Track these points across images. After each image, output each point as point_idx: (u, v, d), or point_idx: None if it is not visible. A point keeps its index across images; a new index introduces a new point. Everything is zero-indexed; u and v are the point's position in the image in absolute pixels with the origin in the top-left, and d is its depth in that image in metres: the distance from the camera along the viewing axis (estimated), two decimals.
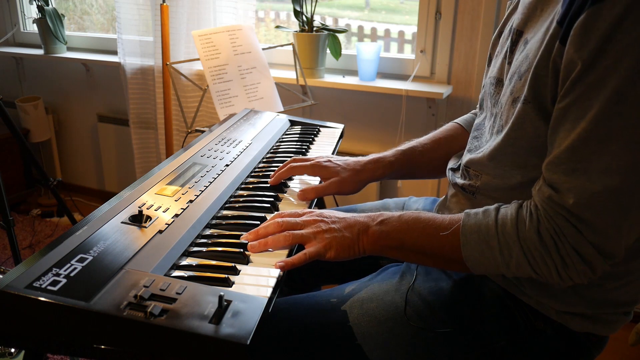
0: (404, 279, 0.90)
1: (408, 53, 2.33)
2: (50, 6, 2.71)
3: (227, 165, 1.07)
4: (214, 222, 0.89)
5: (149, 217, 0.81)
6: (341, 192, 1.03)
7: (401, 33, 2.40)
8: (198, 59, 1.81)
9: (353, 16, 2.58)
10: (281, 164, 1.11)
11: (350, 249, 0.82)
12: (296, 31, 2.15)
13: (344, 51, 2.21)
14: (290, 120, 1.47)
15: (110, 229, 0.77)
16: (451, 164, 1.02)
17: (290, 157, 1.19)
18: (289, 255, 0.80)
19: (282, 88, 1.94)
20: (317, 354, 0.85)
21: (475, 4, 1.96)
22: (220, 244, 0.82)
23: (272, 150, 1.26)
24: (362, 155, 2.34)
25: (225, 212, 0.93)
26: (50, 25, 2.67)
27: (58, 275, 0.64)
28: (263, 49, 1.89)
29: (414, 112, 2.15)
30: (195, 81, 2.07)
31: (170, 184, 0.95)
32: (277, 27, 2.40)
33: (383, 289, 0.89)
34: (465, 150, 0.94)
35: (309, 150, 1.29)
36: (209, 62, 1.76)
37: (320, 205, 1.52)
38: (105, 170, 2.96)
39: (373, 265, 1.07)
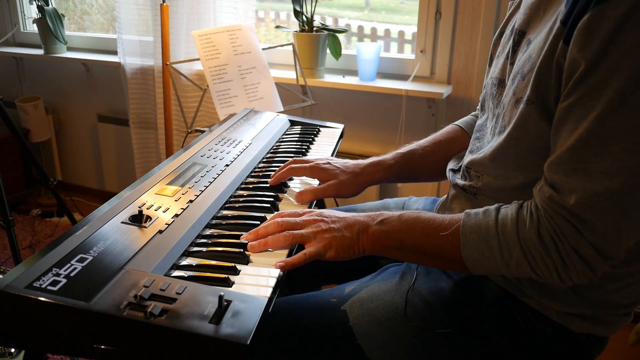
0: (404, 279, 0.90)
1: (408, 53, 2.33)
2: (50, 6, 2.71)
3: (227, 165, 1.07)
4: (214, 222, 0.89)
5: (149, 217, 0.81)
6: (340, 195, 1.03)
7: (401, 33, 2.40)
8: (198, 59, 1.81)
9: (353, 16, 2.58)
10: (281, 164, 1.11)
11: (350, 248, 0.82)
12: (296, 31, 2.15)
13: (344, 51, 2.21)
14: (290, 120, 1.47)
15: (110, 229, 0.77)
16: (452, 164, 1.01)
17: (290, 157, 1.19)
18: (289, 255, 0.80)
19: (282, 88, 1.94)
20: (317, 354, 0.85)
21: (475, 4, 1.96)
22: (220, 244, 0.82)
23: (272, 150, 1.26)
24: (362, 155, 2.35)
25: (225, 212, 0.93)
26: (50, 25, 2.67)
27: (58, 275, 0.64)
28: (263, 49, 1.89)
29: (414, 112, 2.15)
30: (195, 81, 2.07)
31: (170, 184, 0.95)
32: (277, 27, 2.40)
33: (383, 289, 0.89)
34: (467, 151, 0.94)
35: (309, 150, 1.29)
36: (209, 62, 1.76)
37: (320, 205, 1.52)
38: (105, 170, 2.96)
39: (373, 265, 1.07)
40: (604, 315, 0.81)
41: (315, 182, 1.09)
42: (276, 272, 0.75)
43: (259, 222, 0.88)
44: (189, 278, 0.70)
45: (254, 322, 0.61)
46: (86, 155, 3.05)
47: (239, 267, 0.75)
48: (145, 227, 0.79)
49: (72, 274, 0.65)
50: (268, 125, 1.37)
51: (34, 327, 0.61)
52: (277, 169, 1.10)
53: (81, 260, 0.68)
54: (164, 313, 0.60)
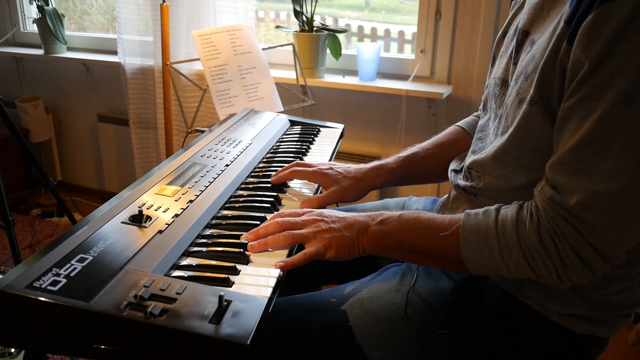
0: (404, 280, 0.90)
1: (408, 53, 2.33)
2: (50, 6, 2.71)
3: (227, 165, 1.07)
4: (214, 222, 0.89)
5: (149, 217, 0.81)
6: (342, 200, 1.03)
7: (401, 33, 2.40)
8: (198, 59, 1.81)
9: (353, 16, 2.58)
10: (281, 164, 1.11)
11: (350, 248, 0.82)
12: (296, 31, 2.15)
13: (344, 51, 2.21)
14: (290, 120, 1.47)
15: (110, 229, 0.77)
16: (453, 165, 1.01)
17: (290, 157, 1.20)
18: (289, 255, 0.80)
19: (282, 88, 1.94)
20: (317, 354, 0.85)
21: (475, 4, 1.96)
22: (220, 244, 0.82)
23: (272, 150, 1.26)
24: (362, 155, 2.34)
25: (225, 212, 0.93)
26: (50, 25, 2.67)
27: (58, 275, 0.64)
28: (263, 49, 1.89)
29: (414, 112, 2.15)
30: (195, 81, 2.07)
31: (170, 184, 0.95)
32: (277, 27, 2.40)
33: (384, 289, 0.89)
34: (469, 152, 0.94)
35: (309, 150, 1.29)
36: (209, 62, 1.76)
37: None
38: (105, 170, 2.96)
39: (373, 265, 1.07)
40: (605, 317, 0.81)
41: (315, 185, 1.09)
42: (276, 272, 0.75)
43: (259, 222, 0.88)
44: (189, 278, 0.70)
45: (254, 322, 0.61)
46: (86, 155, 3.05)
47: (239, 267, 0.75)
48: (145, 227, 0.79)
49: (72, 274, 0.65)
50: (268, 125, 1.37)
51: (34, 327, 0.61)
52: (277, 169, 1.10)
53: (81, 260, 0.68)
54: (164, 313, 0.60)
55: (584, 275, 0.70)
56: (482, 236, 0.75)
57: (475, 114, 1.14)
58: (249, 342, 0.58)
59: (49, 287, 0.62)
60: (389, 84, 2.08)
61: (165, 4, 2.04)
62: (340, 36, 2.19)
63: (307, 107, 2.28)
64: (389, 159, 1.08)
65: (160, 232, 0.78)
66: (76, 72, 2.88)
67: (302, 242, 0.82)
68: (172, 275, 0.72)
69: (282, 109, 1.85)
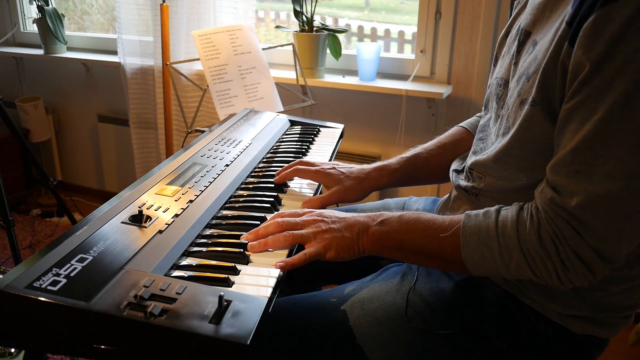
0: (405, 280, 0.90)
1: (408, 53, 2.33)
2: (50, 6, 2.71)
3: (227, 165, 1.07)
4: (214, 222, 0.89)
5: (149, 217, 0.81)
6: (344, 200, 1.03)
7: (401, 33, 2.40)
8: (198, 59, 1.81)
9: (353, 16, 2.58)
10: (281, 164, 1.11)
11: (350, 249, 0.82)
12: (296, 31, 2.15)
13: (344, 51, 2.21)
14: (290, 120, 1.47)
15: (110, 229, 0.77)
16: (455, 165, 1.01)
17: (290, 157, 1.20)
18: (289, 255, 0.80)
19: (282, 88, 1.94)
20: (318, 354, 0.85)
21: (475, 4, 1.96)
22: (220, 244, 0.82)
23: (272, 150, 1.26)
24: (362, 155, 2.34)
25: (225, 212, 0.93)
26: (50, 25, 2.67)
27: (58, 275, 0.64)
28: (263, 49, 1.89)
29: (414, 112, 2.15)
30: (195, 81, 2.07)
31: (170, 184, 0.95)
32: (277, 27, 2.40)
33: (384, 290, 0.89)
34: (471, 152, 0.94)
35: (309, 150, 1.29)
36: (209, 62, 1.76)
37: None
38: (105, 170, 2.96)
39: (373, 265, 1.07)
40: (605, 318, 0.81)
41: (315, 185, 1.09)
42: (276, 272, 0.75)
43: (259, 222, 0.88)
44: (189, 278, 0.70)
45: (254, 322, 0.61)
46: (86, 155, 3.05)
47: (239, 267, 0.75)
48: (145, 227, 0.79)
49: (72, 274, 0.65)
50: (268, 125, 1.37)
51: (34, 327, 0.61)
52: (277, 169, 1.10)
53: (81, 260, 0.68)
54: (164, 313, 0.60)
55: (584, 276, 0.70)
56: (482, 237, 0.75)
57: (478, 114, 1.14)
58: (249, 342, 0.58)
59: (49, 287, 0.62)
60: (389, 84, 2.08)
61: (165, 4, 2.04)
62: (340, 36, 2.19)
63: (307, 107, 2.28)
64: (392, 160, 1.08)
65: (160, 232, 0.78)
66: (76, 72, 2.88)
67: (302, 242, 0.82)
68: (172, 275, 0.72)
69: (282, 109, 1.85)
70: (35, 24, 2.76)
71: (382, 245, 0.82)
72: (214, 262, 0.76)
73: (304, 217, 0.85)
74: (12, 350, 1.72)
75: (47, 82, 3.02)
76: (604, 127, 0.64)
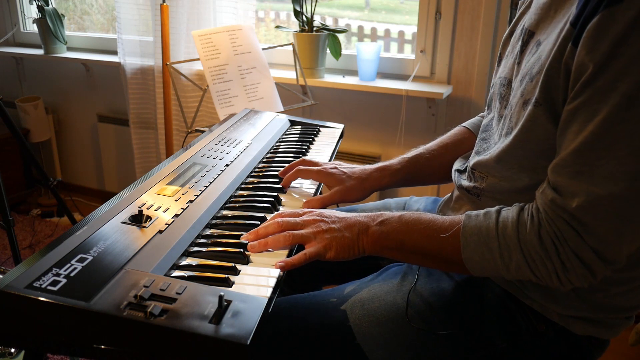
0: (405, 280, 0.90)
1: (408, 53, 2.33)
2: (50, 6, 2.71)
3: (227, 165, 1.07)
4: (214, 222, 0.89)
5: (149, 217, 0.81)
6: (345, 200, 1.03)
7: (401, 33, 2.40)
8: (198, 59, 1.80)
9: (353, 16, 2.58)
10: (281, 164, 1.11)
11: (350, 249, 0.82)
12: (296, 31, 2.15)
13: (344, 51, 2.21)
14: (290, 120, 1.47)
15: (110, 229, 0.77)
16: (457, 165, 1.01)
17: (290, 157, 1.20)
18: (289, 255, 0.80)
19: (282, 88, 1.94)
20: (318, 354, 0.85)
21: (475, 4, 1.96)
22: (220, 244, 0.82)
23: (272, 150, 1.26)
24: (362, 155, 2.34)
25: (225, 212, 0.93)
26: (50, 25, 2.67)
27: (58, 275, 0.64)
28: (263, 49, 1.89)
29: (414, 112, 2.15)
30: (195, 81, 2.07)
31: (170, 184, 0.95)
32: (277, 27, 2.40)
33: (384, 290, 0.89)
34: (473, 152, 0.94)
35: (309, 150, 1.29)
36: (209, 62, 1.76)
37: None
38: (105, 170, 2.96)
39: (373, 265, 1.07)
40: (606, 319, 0.81)
41: (315, 184, 1.09)
42: (276, 272, 0.75)
43: (259, 222, 0.87)
44: (189, 278, 0.70)
45: (254, 322, 0.61)
46: (86, 155, 3.05)
47: (239, 267, 0.75)
48: (145, 227, 0.79)
49: (72, 274, 0.65)
50: (268, 125, 1.37)
51: (34, 327, 0.61)
52: (277, 169, 1.10)
53: (81, 260, 0.68)
54: (164, 313, 0.60)
55: (584, 277, 0.70)
56: (482, 238, 0.75)
57: (481, 114, 1.14)
58: (249, 342, 0.58)
59: (49, 287, 0.62)
60: (389, 84, 2.08)
61: (165, 4, 2.04)
62: (340, 36, 2.19)
63: (307, 107, 2.28)
64: (394, 160, 1.08)
65: (160, 232, 0.78)
66: (76, 72, 2.88)
67: (302, 242, 0.82)
68: (172, 275, 0.72)
69: (282, 109, 1.85)
70: (35, 24, 2.76)
71: (382, 245, 0.82)
72: (214, 262, 0.76)
73: (304, 217, 0.85)
74: (12, 350, 1.72)
75: (47, 82, 3.02)
76: (606, 128, 0.64)
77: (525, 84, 0.76)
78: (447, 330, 0.83)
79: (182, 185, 0.95)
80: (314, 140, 1.36)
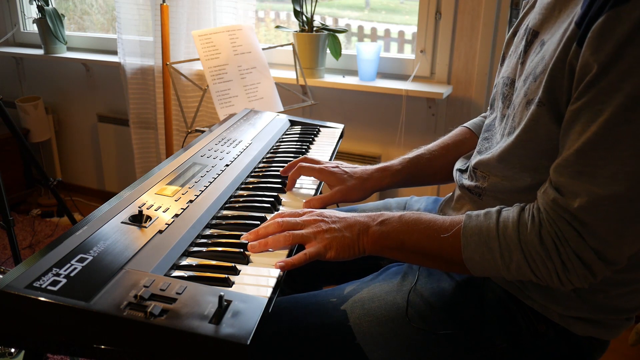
0: (405, 280, 0.90)
1: (408, 53, 2.33)
2: (50, 6, 2.71)
3: (227, 165, 1.07)
4: (214, 222, 0.89)
5: (149, 217, 0.81)
6: (346, 199, 1.03)
7: (401, 33, 2.40)
8: (198, 59, 1.80)
9: (353, 16, 2.58)
10: (281, 164, 1.11)
11: (351, 249, 0.82)
12: (296, 31, 2.15)
13: (344, 51, 2.21)
14: (290, 120, 1.47)
15: (110, 229, 0.77)
16: (459, 164, 1.01)
17: (290, 157, 1.20)
18: (289, 255, 0.80)
19: (282, 88, 1.94)
20: (318, 354, 0.85)
21: (475, 4, 1.95)
22: (220, 244, 0.82)
23: (272, 150, 1.26)
24: (362, 155, 2.34)
25: (225, 212, 0.93)
26: (50, 25, 2.67)
27: (58, 275, 0.64)
28: (263, 49, 1.89)
29: (414, 112, 2.15)
30: (195, 81, 2.07)
31: (170, 184, 0.95)
32: (277, 27, 2.40)
33: (385, 289, 0.89)
34: (475, 152, 0.94)
35: (309, 150, 1.29)
36: (209, 62, 1.76)
37: None
38: (105, 170, 2.96)
39: (373, 265, 1.07)
40: (606, 319, 0.81)
41: (315, 184, 1.09)
42: (276, 272, 0.75)
43: (259, 222, 0.87)
44: (189, 278, 0.70)
45: (254, 322, 0.61)
46: (86, 155, 3.05)
47: (239, 267, 0.75)
48: (145, 227, 0.79)
49: (72, 274, 0.65)
50: (268, 125, 1.37)
51: (34, 327, 0.61)
52: (277, 169, 1.10)
53: (81, 260, 0.68)
54: (164, 313, 0.60)
55: (584, 277, 0.70)
56: (483, 238, 0.74)
57: (483, 114, 1.14)
58: (249, 342, 0.58)
59: (49, 287, 0.62)
60: (389, 84, 2.08)
61: (165, 4, 2.04)
62: (340, 36, 2.19)
63: (307, 107, 2.28)
64: (394, 161, 1.08)
65: (160, 232, 0.78)
66: (76, 72, 2.88)
67: (302, 242, 0.82)
68: (172, 275, 0.72)
69: (282, 109, 1.85)
70: (35, 24, 2.76)
71: (383, 245, 0.82)
72: (214, 262, 0.76)
73: (304, 217, 0.85)
74: (12, 350, 1.72)
75: (47, 82, 3.02)
76: (609, 129, 0.64)
77: (529, 84, 0.76)
78: (447, 330, 0.83)
79: (182, 185, 0.95)
80: (314, 140, 1.36)
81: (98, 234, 0.75)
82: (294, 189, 1.05)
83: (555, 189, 0.70)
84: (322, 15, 2.49)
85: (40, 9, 2.69)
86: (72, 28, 3.04)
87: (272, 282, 0.72)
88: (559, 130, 0.71)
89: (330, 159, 1.24)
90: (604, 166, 0.65)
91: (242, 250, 0.79)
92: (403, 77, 2.17)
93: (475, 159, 0.90)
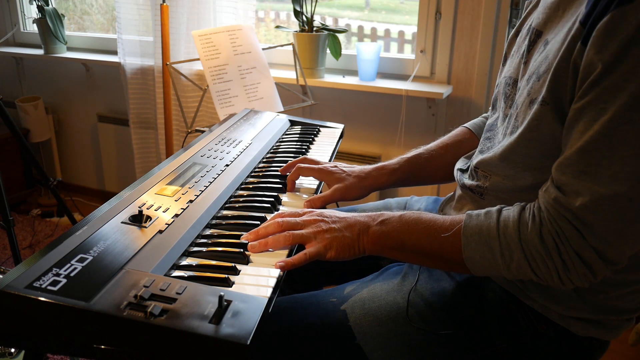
0: (406, 280, 0.90)
1: (408, 53, 2.33)
2: (50, 6, 2.71)
3: (227, 165, 1.07)
4: (214, 222, 0.89)
5: (149, 217, 0.81)
6: (345, 198, 1.04)
7: (401, 33, 2.40)
8: (198, 59, 1.80)
9: (353, 16, 2.58)
10: (281, 164, 1.11)
11: (351, 248, 0.82)
12: (296, 31, 2.15)
13: (344, 51, 2.21)
14: (290, 120, 1.47)
15: (110, 229, 0.77)
16: (460, 164, 1.01)
17: (290, 157, 1.20)
18: (289, 255, 0.80)
19: (282, 88, 1.94)
20: (318, 354, 0.85)
21: (475, 4, 1.95)
22: (220, 244, 0.81)
23: (272, 150, 1.26)
24: (362, 155, 2.34)
25: (225, 212, 0.93)
26: (50, 25, 2.67)
27: (58, 275, 0.64)
28: (263, 49, 1.89)
29: (414, 112, 2.15)
30: (195, 81, 2.07)
31: (170, 184, 0.95)
32: (277, 27, 2.40)
33: (385, 289, 0.89)
34: (477, 151, 0.94)
35: (309, 150, 1.29)
36: (209, 62, 1.76)
37: None
38: (105, 170, 2.96)
39: (373, 265, 1.07)
40: (607, 320, 0.81)
41: (315, 183, 1.09)
42: (276, 272, 0.75)
43: (259, 222, 0.87)
44: (189, 278, 0.70)
45: (254, 322, 0.61)
46: (86, 155, 3.05)
47: (239, 267, 0.75)
48: (145, 227, 0.79)
49: (72, 274, 0.65)
50: (268, 125, 1.37)
51: (34, 327, 0.61)
52: (277, 169, 1.10)
53: (81, 260, 0.68)
54: (164, 313, 0.60)
55: (584, 277, 0.70)
56: (483, 237, 0.74)
57: (483, 115, 1.14)
58: (249, 342, 0.58)
59: (49, 287, 0.61)
60: (389, 84, 2.08)
61: (165, 4, 2.04)
62: (340, 36, 2.19)
63: (307, 107, 2.28)
64: (392, 160, 1.09)
65: (160, 232, 0.78)
66: (76, 72, 2.88)
67: (302, 242, 0.82)
68: (172, 275, 0.72)
69: (282, 109, 1.85)
70: (35, 24, 2.76)
71: (383, 245, 0.82)
72: (214, 262, 0.76)
73: (304, 217, 0.85)
74: (12, 350, 1.72)
75: (47, 82, 3.02)
76: (612, 128, 0.64)
77: (532, 83, 0.76)
78: (447, 330, 0.83)
79: (182, 185, 0.95)
80: (314, 140, 1.36)
81: (98, 234, 0.75)
82: (296, 188, 1.05)
83: (557, 187, 0.70)
84: (322, 15, 2.49)
85: (40, 9, 2.69)
86: (72, 28, 3.04)
87: (272, 282, 0.72)
88: (562, 130, 0.71)
89: (330, 159, 1.25)
90: (606, 165, 0.65)
91: (242, 250, 0.79)
92: (403, 77, 2.17)
93: (476, 158, 0.90)
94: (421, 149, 1.11)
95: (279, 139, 1.34)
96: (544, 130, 0.73)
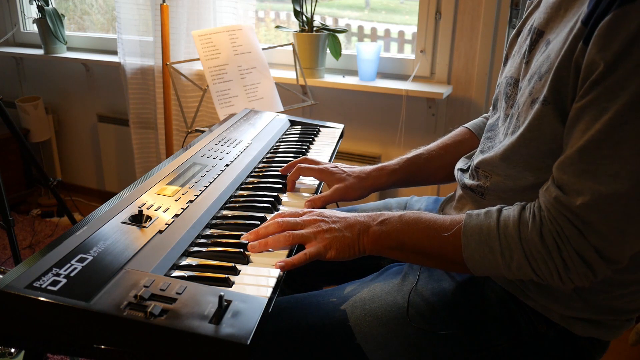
0: (406, 280, 0.90)
1: (408, 53, 2.33)
2: (50, 6, 2.71)
3: (227, 165, 1.07)
4: (214, 222, 0.89)
5: (149, 217, 0.81)
6: (345, 198, 1.04)
7: (401, 33, 2.40)
8: (198, 59, 1.80)
9: (353, 16, 2.58)
10: (281, 164, 1.11)
11: (351, 248, 0.82)
12: (296, 31, 2.15)
13: (344, 51, 2.21)
14: (290, 120, 1.47)
15: (110, 229, 0.77)
16: (460, 164, 1.01)
17: (290, 157, 1.20)
18: (289, 255, 0.80)
19: (282, 88, 1.94)
20: (318, 354, 0.85)
21: (475, 4, 1.95)
22: (220, 244, 0.81)
23: (272, 150, 1.26)
24: (362, 155, 2.34)
25: (225, 212, 0.93)
26: (50, 25, 2.67)
27: (58, 275, 0.64)
28: (263, 49, 1.89)
29: (414, 112, 2.15)
30: (195, 81, 2.07)
31: (170, 184, 0.95)
32: (277, 27, 2.40)
33: (385, 289, 0.89)
34: (478, 151, 0.93)
35: (309, 150, 1.29)
36: (209, 62, 1.76)
37: None
38: (105, 170, 2.96)
39: (373, 265, 1.07)
40: (607, 320, 0.81)
41: (314, 182, 1.09)
42: (276, 272, 0.75)
43: (259, 222, 0.87)
44: (189, 278, 0.70)
45: (254, 322, 0.61)
46: (86, 155, 3.05)
47: (239, 267, 0.75)
48: (145, 227, 0.79)
49: (72, 274, 0.65)
50: (268, 125, 1.37)
51: (34, 327, 0.61)
52: (277, 169, 1.10)
53: (81, 260, 0.68)
54: (164, 313, 0.60)
55: (585, 276, 0.70)
56: (483, 237, 0.74)
57: (484, 115, 1.14)
58: (249, 342, 0.58)
59: (49, 287, 0.61)
60: (389, 84, 2.08)
61: (165, 4, 2.04)
62: (340, 36, 2.19)
63: (307, 107, 2.28)
64: (392, 161, 1.09)
65: (160, 232, 0.78)
66: (76, 72, 2.88)
67: (302, 242, 0.82)
68: (172, 275, 0.72)
69: (282, 109, 1.85)
70: (35, 24, 2.76)
71: (383, 245, 0.82)
72: (214, 262, 0.76)
73: (304, 217, 0.85)
74: (12, 350, 1.72)
75: (47, 82, 3.02)
76: (614, 127, 0.64)
77: (534, 83, 0.75)
78: (448, 330, 0.83)
79: (182, 185, 0.95)
80: (314, 140, 1.36)
81: (98, 234, 0.75)
82: (295, 188, 1.06)
83: (557, 186, 0.70)
84: (322, 15, 2.49)
85: (40, 9, 2.69)
86: (72, 28, 3.04)
87: (272, 282, 0.72)
88: (563, 129, 0.71)
89: (330, 159, 1.25)
90: (607, 164, 0.65)
91: (242, 250, 0.79)
92: (403, 77, 2.17)
93: (477, 158, 0.90)
94: (421, 149, 1.11)
95: (279, 139, 1.34)
96: (546, 129, 0.73)
